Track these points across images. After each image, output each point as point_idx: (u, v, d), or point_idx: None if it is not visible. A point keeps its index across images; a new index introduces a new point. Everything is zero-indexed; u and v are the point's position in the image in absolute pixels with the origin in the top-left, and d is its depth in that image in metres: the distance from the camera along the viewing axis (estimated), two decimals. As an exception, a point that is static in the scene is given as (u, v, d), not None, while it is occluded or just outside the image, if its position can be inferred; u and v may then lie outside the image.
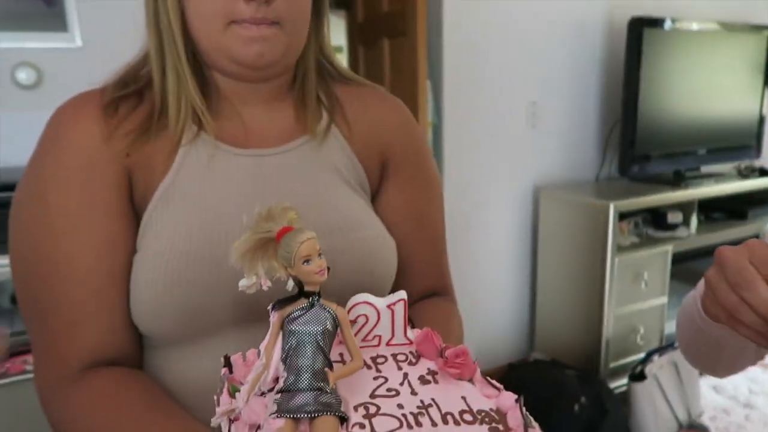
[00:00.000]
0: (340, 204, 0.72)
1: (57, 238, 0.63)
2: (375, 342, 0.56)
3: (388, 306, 0.55)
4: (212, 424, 0.46)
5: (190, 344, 0.66)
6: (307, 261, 0.47)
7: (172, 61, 0.67)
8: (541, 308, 2.80)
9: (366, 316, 0.55)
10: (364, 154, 0.77)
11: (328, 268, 0.48)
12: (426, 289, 0.82)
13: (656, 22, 2.53)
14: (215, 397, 0.48)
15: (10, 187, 1.57)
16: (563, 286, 2.66)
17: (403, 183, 0.79)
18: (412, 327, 0.59)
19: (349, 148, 0.76)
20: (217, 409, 0.45)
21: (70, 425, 0.62)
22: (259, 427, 0.43)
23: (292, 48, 0.69)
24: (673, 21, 2.58)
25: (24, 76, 1.82)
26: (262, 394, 0.47)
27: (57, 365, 0.64)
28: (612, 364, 2.57)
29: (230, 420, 0.45)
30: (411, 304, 0.78)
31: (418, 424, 0.44)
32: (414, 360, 0.54)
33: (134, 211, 0.67)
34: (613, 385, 2.51)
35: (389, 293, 0.73)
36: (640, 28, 2.47)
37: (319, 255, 0.48)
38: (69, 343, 0.63)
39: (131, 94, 0.68)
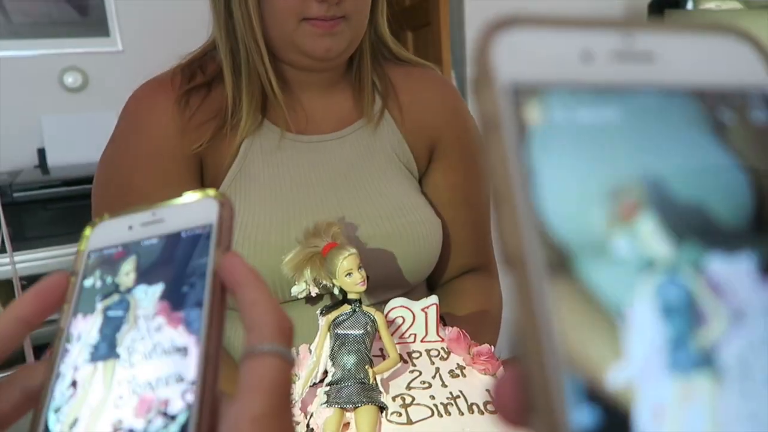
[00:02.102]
0: (391, 190, 0.77)
1: None
2: (411, 339, 0.64)
3: (422, 309, 0.63)
4: None
5: None
6: (348, 274, 0.54)
7: (246, 57, 0.71)
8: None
9: (402, 317, 0.63)
10: (413, 136, 0.81)
11: (368, 278, 0.56)
12: (468, 265, 0.86)
13: (677, 3, 2.52)
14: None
15: (60, 184, 1.69)
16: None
17: (449, 166, 0.83)
18: (444, 325, 0.66)
19: (399, 132, 0.80)
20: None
21: None
22: (311, 414, 0.51)
23: (355, 38, 0.73)
24: (695, 1, 2.56)
25: (71, 79, 1.92)
26: (314, 386, 0.55)
27: None
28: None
29: (288, 409, 0.53)
30: (454, 278, 0.84)
31: (447, 413, 0.52)
32: (445, 355, 0.62)
33: None
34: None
35: (434, 268, 0.80)
36: (661, 11, 2.47)
37: (359, 268, 0.55)
38: None
39: (200, 85, 0.73)
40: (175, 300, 0.27)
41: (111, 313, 0.28)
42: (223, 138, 0.72)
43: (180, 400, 0.25)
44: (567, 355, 0.13)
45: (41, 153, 1.89)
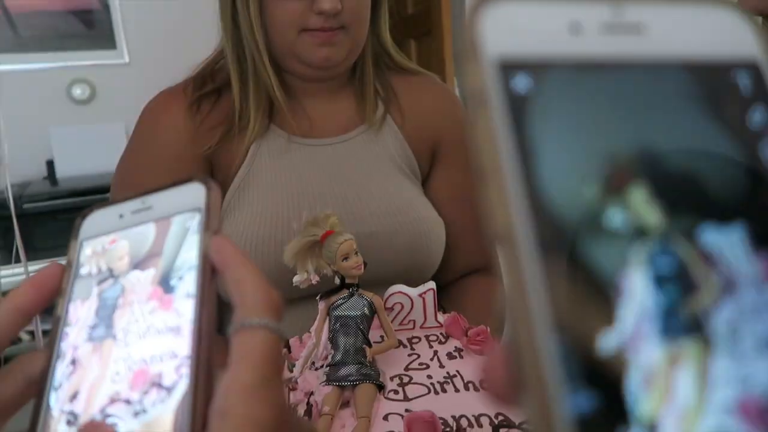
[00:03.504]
0: (394, 189, 0.79)
1: None
2: (410, 326, 0.65)
3: (420, 295, 0.64)
4: None
5: None
6: (345, 258, 0.56)
7: (252, 66, 0.74)
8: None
9: (401, 304, 0.64)
10: (415, 140, 0.83)
11: (365, 264, 0.58)
12: (473, 264, 0.87)
13: None
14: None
15: (69, 195, 1.72)
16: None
17: (451, 167, 0.85)
18: (443, 312, 0.68)
19: (401, 136, 0.82)
20: (280, 379, 0.55)
21: None
22: (311, 393, 0.53)
23: (355, 48, 0.76)
24: None
25: (79, 91, 1.96)
26: (315, 368, 0.56)
27: None
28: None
29: (288, 389, 0.55)
30: (458, 278, 0.86)
31: (444, 390, 0.53)
32: (443, 340, 0.63)
33: None
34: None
35: (438, 269, 0.81)
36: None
37: (356, 253, 0.57)
38: None
39: (210, 92, 0.77)
40: (167, 283, 0.28)
41: (106, 297, 0.29)
42: (232, 141, 0.75)
43: (174, 373, 0.26)
44: (559, 329, 0.13)
45: (50, 164, 1.93)
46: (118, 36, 1.99)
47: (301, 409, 0.52)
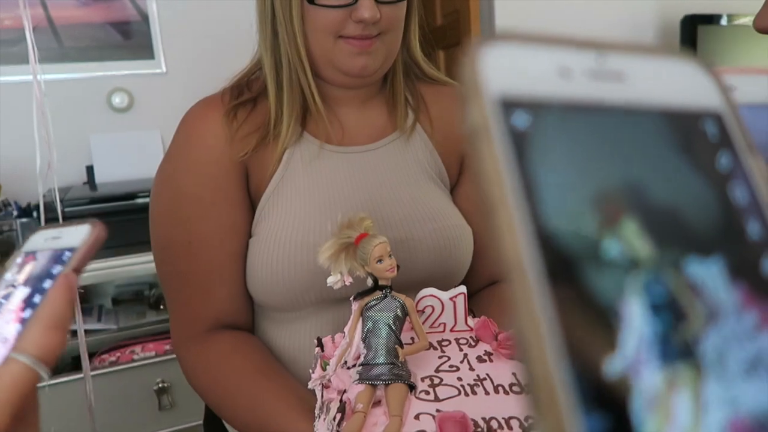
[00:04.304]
0: (423, 196, 0.81)
1: (190, 221, 0.76)
2: (440, 329, 0.67)
3: (451, 298, 0.65)
4: (309, 386, 0.57)
5: (294, 315, 0.78)
6: (379, 261, 0.58)
7: (289, 73, 0.77)
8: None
9: (432, 306, 0.66)
10: (444, 148, 0.85)
11: (398, 266, 0.59)
12: (498, 274, 0.88)
13: (710, 19, 2.51)
14: (310, 371, 0.60)
15: (106, 199, 1.77)
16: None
17: None
18: (473, 316, 0.69)
19: (431, 144, 0.84)
20: (312, 376, 0.57)
21: (198, 377, 0.75)
22: (344, 391, 0.54)
23: (390, 56, 0.79)
24: (728, 17, 2.55)
25: (118, 100, 2.02)
26: (348, 368, 0.58)
27: (187, 327, 0.77)
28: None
29: (323, 386, 0.57)
30: (486, 286, 0.87)
31: (474, 393, 0.55)
32: (473, 343, 0.64)
33: (250, 201, 0.79)
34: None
35: (466, 276, 0.83)
36: (694, 26, 2.46)
37: (390, 255, 0.58)
38: (197, 308, 0.76)
39: (246, 101, 0.80)
40: (28, 301, 0.35)
41: (1, 301, 0.36)
42: (266, 148, 0.77)
43: None
44: (569, 354, 0.14)
45: (89, 170, 1.99)
46: (156, 47, 2.05)
47: (334, 407, 0.54)
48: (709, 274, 0.16)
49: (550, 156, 0.16)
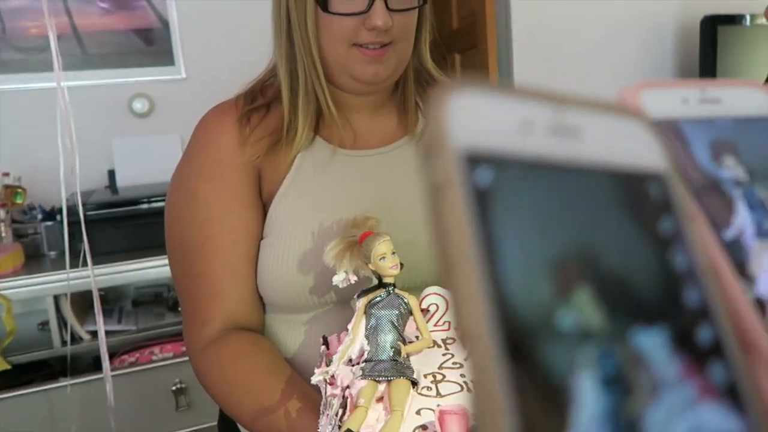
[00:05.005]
0: None
1: (204, 223, 0.78)
2: (445, 327, 0.67)
3: (454, 297, 0.66)
4: (312, 382, 0.59)
5: (305, 317, 0.79)
6: (383, 258, 0.59)
7: (304, 79, 0.78)
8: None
9: (437, 305, 0.66)
10: None
11: (402, 264, 0.60)
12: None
13: (730, 19, 2.48)
14: (316, 369, 0.61)
15: (129, 203, 1.81)
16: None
17: None
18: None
19: None
20: (316, 371, 0.58)
21: (210, 377, 0.77)
22: (348, 387, 0.55)
23: (401, 64, 0.80)
24: (750, 17, 2.51)
25: (139, 105, 2.07)
26: (352, 364, 0.59)
27: (200, 329, 0.78)
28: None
29: (326, 382, 0.58)
30: None
31: (476, 389, 0.55)
32: (476, 342, 0.65)
33: (262, 203, 0.81)
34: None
35: None
36: (714, 27, 2.43)
37: (393, 253, 0.59)
38: (210, 310, 0.78)
39: (260, 106, 0.82)
40: None
41: None
42: (279, 152, 0.79)
43: None
44: (525, 429, 0.14)
45: (111, 174, 2.03)
46: (177, 53, 2.09)
47: (338, 402, 0.55)
48: (652, 345, 0.16)
49: (510, 216, 0.16)
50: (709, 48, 2.47)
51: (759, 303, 0.19)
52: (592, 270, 0.16)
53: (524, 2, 2.39)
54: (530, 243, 0.15)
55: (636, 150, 0.18)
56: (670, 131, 0.22)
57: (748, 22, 2.51)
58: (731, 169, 0.21)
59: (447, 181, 0.15)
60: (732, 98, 0.23)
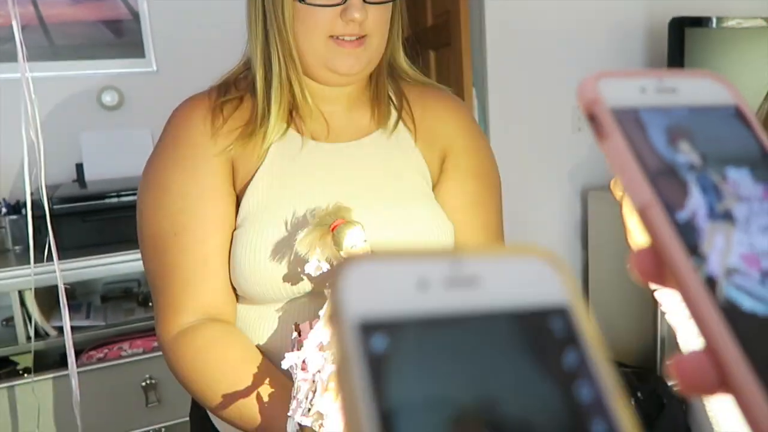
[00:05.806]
0: (403, 186, 0.84)
1: (176, 214, 0.78)
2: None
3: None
4: (283, 366, 0.59)
5: (277, 307, 0.79)
6: (354, 246, 0.59)
7: (279, 71, 0.79)
8: (593, 309, 2.83)
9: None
10: (426, 147, 0.88)
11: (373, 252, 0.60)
12: None
13: (698, 21, 2.53)
14: (286, 354, 0.61)
15: (97, 197, 1.78)
16: (615, 285, 2.69)
17: (459, 174, 0.89)
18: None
19: (413, 142, 0.87)
20: (287, 355, 0.58)
21: (181, 366, 0.76)
22: (318, 372, 0.56)
23: (375, 57, 0.81)
24: (717, 20, 2.58)
25: (108, 98, 2.03)
26: (323, 350, 0.59)
27: (172, 320, 0.78)
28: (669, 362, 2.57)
29: (298, 367, 0.58)
30: None
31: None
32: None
33: (235, 194, 0.81)
34: (672, 382, 2.51)
35: None
36: (682, 28, 2.49)
37: (365, 241, 0.60)
38: (182, 300, 0.77)
39: (233, 98, 0.82)
40: None
41: None
42: (252, 143, 0.80)
43: None
44: None
45: (79, 168, 1.99)
46: (147, 45, 2.06)
47: (307, 386, 0.55)
48: None
49: (406, 379, 0.16)
50: (677, 49, 2.52)
51: (710, 280, 0.20)
52: (494, 419, 0.16)
53: (498, 0, 2.42)
54: (429, 403, 0.16)
55: (537, 287, 0.18)
56: (629, 119, 0.22)
57: (714, 24, 2.57)
58: (686, 155, 0.22)
59: (343, 353, 0.16)
60: (687, 88, 0.24)
